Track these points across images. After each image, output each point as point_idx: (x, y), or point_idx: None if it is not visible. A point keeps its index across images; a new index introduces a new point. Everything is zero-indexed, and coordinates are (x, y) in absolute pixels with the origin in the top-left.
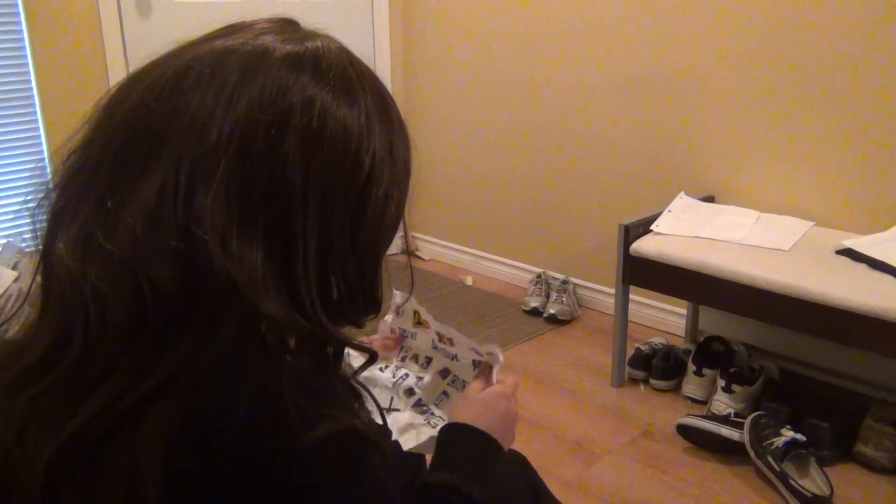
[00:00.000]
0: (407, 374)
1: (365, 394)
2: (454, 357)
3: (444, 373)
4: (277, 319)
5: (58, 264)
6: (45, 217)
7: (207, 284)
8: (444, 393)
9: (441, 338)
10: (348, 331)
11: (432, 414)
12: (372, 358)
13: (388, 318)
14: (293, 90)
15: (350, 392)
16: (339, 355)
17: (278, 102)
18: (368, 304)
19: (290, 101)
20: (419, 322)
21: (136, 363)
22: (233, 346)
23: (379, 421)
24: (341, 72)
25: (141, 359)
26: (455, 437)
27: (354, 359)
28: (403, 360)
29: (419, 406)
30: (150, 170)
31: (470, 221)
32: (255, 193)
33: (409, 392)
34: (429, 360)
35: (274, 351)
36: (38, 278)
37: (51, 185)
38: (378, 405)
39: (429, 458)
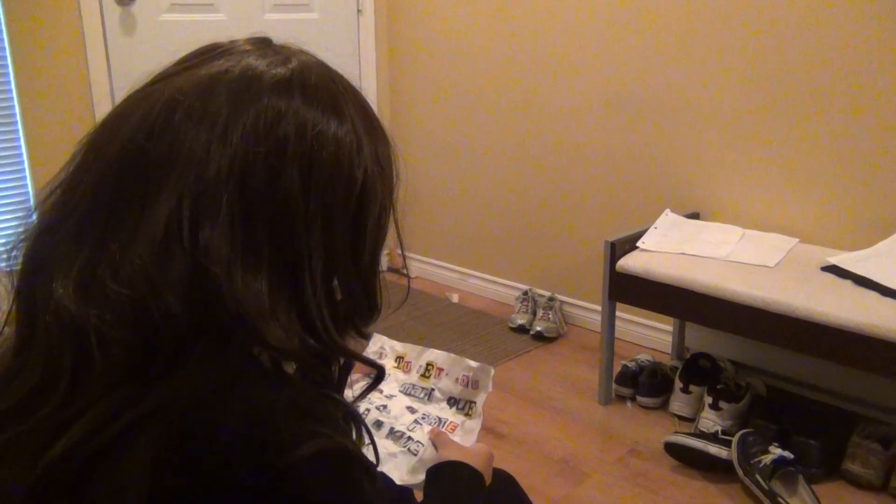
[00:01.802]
0: (367, 410)
1: (362, 422)
2: (429, 394)
3: (411, 409)
4: (284, 349)
5: (57, 308)
6: (25, 256)
7: (215, 317)
8: (416, 422)
9: (429, 367)
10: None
11: (410, 439)
12: (379, 375)
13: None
14: (286, 117)
15: (348, 417)
16: (347, 373)
17: (274, 132)
18: (372, 311)
19: (284, 129)
20: (397, 366)
21: (123, 396)
22: (229, 373)
23: (368, 454)
24: (326, 89)
25: (129, 392)
26: (446, 474)
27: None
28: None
29: (393, 434)
30: (150, 209)
31: (455, 238)
32: (258, 223)
33: (377, 424)
34: (391, 395)
35: (271, 375)
36: (13, 314)
37: (31, 225)
38: (370, 435)
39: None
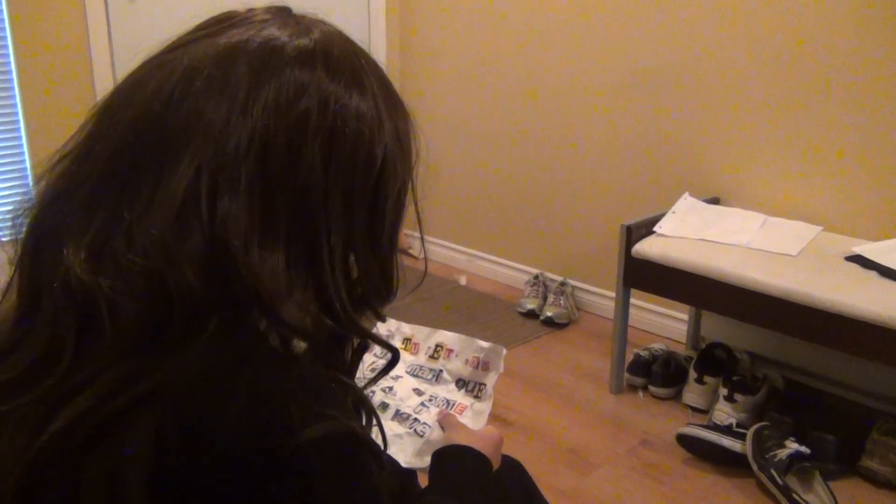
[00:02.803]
0: (372, 392)
1: (372, 408)
2: (437, 375)
3: (418, 391)
4: (298, 328)
5: (67, 276)
6: (31, 224)
7: (230, 293)
8: (423, 404)
9: (439, 349)
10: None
11: (416, 421)
12: (394, 359)
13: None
14: (308, 90)
15: (358, 402)
16: (360, 356)
17: (296, 106)
18: (388, 292)
19: (306, 103)
20: (404, 347)
21: (129, 369)
22: (239, 353)
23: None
24: (349, 62)
25: (136, 366)
26: (451, 458)
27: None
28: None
29: (399, 416)
30: (167, 180)
31: (465, 219)
32: (277, 198)
33: (382, 406)
34: (397, 377)
35: (281, 356)
36: (16, 280)
37: (36, 195)
38: (378, 420)
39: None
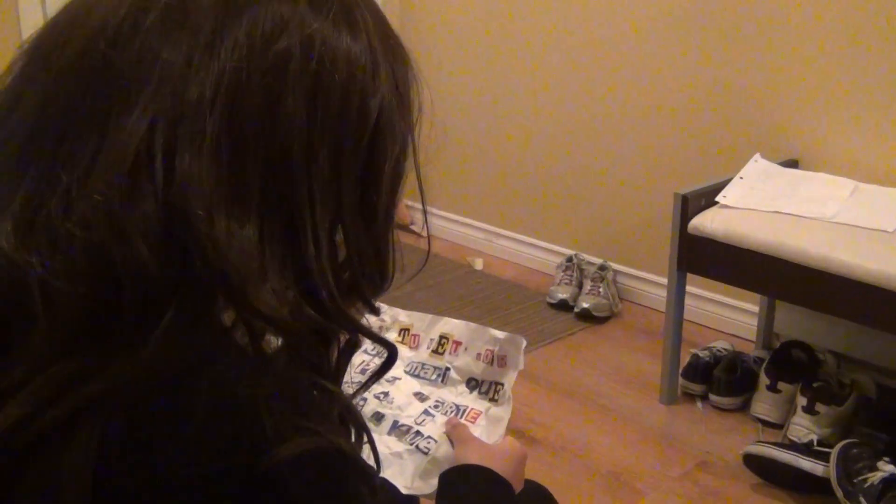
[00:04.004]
0: (364, 400)
1: (362, 421)
2: (443, 374)
3: (421, 396)
4: (275, 319)
5: None
6: None
7: (191, 274)
8: (427, 412)
9: (443, 341)
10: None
11: (419, 434)
12: (390, 357)
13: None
14: (290, 27)
15: (346, 413)
16: (348, 357)
17: (273, 45)
18: (383, 278)
19: (286, 42)
20: (401, 340)
21: (69, 371)
22: (202, 351)
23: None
24: None
25: (77, 365)
26: (463, 481)
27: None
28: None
29: (397, 429)
30: (114, 134)
31: (481, 188)
32: (249, 159)
33: (377, 417)
34: (394, 379)
35: (251, 357)
36: None
37: None
38: (370, 435)
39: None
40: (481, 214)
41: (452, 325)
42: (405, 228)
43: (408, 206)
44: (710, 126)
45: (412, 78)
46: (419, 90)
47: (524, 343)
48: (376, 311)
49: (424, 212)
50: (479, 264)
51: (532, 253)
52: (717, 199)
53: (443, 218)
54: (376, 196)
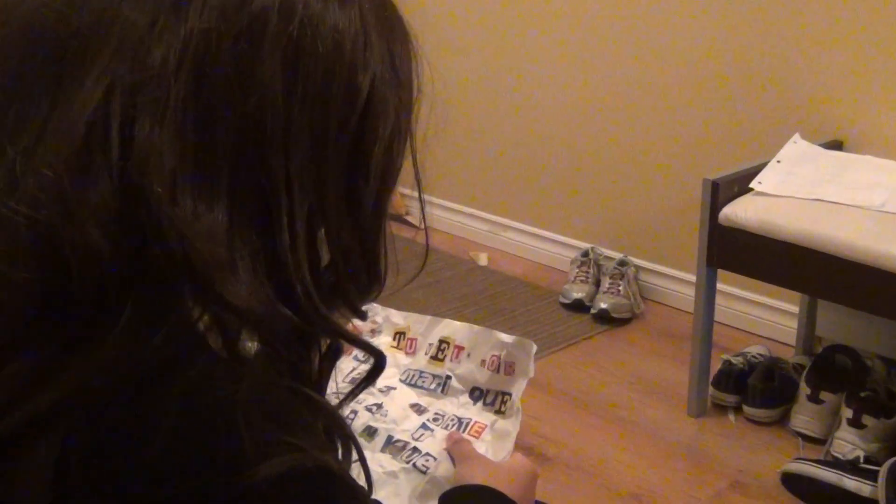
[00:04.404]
0: (355, 412)
1: (351, 434)
2: (443, 384)
3: (418, 408)
4: (248, 313)
5: None
6: None
7: (152, 262)
8: (425, 426)
9: (444, 345)
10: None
11: (416, 451)
12: (378, 365)
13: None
14: None
15: (332, 425)
16: (332, 363)
17: (249, 4)
18: (371, 280)
19: (264, 1)
20: (396, 345)
21: (16, 378)
22: (168, 353)
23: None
24: None
25: (26, 370)
26: (464, 502)
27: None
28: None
29: (392, 444)
30: (66, 101)
31: (486, 174)
32: (218, 132)
33: (369, 432)
34: (388, 389)
35: (225, 361)
36: None
37: None
38: (360, 450)
39: None
40: (486, 204)
41: (454, 328)
42: (400, 219)
43: (405, 195)
44: (743, 103)
45: (412, 55)
46: (419, 68)
47: (534, 348)
48: (363, 316)
49: (421, 201)
50: (483, 260)
51: (543, 247)
52: (751, 185)
53: (442, 208)
54: (364, 184)
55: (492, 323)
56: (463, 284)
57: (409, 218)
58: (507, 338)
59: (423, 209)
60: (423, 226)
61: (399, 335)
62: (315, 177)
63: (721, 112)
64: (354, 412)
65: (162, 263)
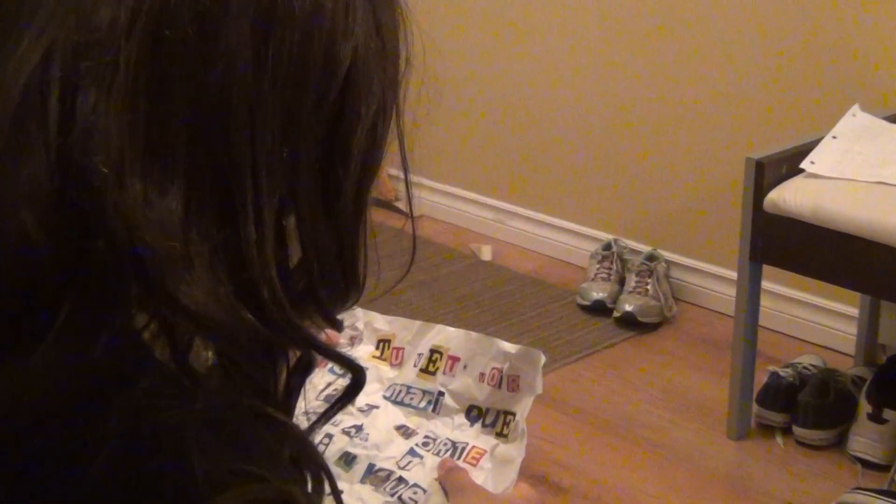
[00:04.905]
0: (329, 436)
1: (322, 463)
2: (435, 401)
3: (405, 430)
4: (205, 318)
5: None
6: None
7: (93, 256)
8: (413, 452)
9: (436, 356)
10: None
11: (402, 482)
12: (357, 382)
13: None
14: None
15: (301, 452)
16: (301, 380)
17: None
18: (349, 284)
19: None
20: (380, 355)
21: None
22: (108, 366)
23: None
24: None
25: None
26: None
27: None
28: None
29: (373, 474)
30: None
31: (491, 155)
32: (174, 106)
33: (346, 459)
34: (370, 408)
35: (172, 373)
36: None
37: None
38: (333, 482)
39: None
40: (490, 188)
41: (447, 336)
42: (388, 206)
43: (392, 176)
44: (793, 69)
45: (401, 24)
46: (408, 37)
47: (543, 359)
48: (338, 326)
49: (408, 190)
50: (486, 253)
51: (557, 238)
52: (802, 165)
53: (439, 192)
54: (343, 170)
55: (496, 328)
56: (462, 283)
57: (399, 204)
58: (510, 347)
59: (409, 199)
60: (412, 216)
61: (383, 344)
62: (286, 161)
63: (766, 80)
64: (329, 436)
65: (105, 258)
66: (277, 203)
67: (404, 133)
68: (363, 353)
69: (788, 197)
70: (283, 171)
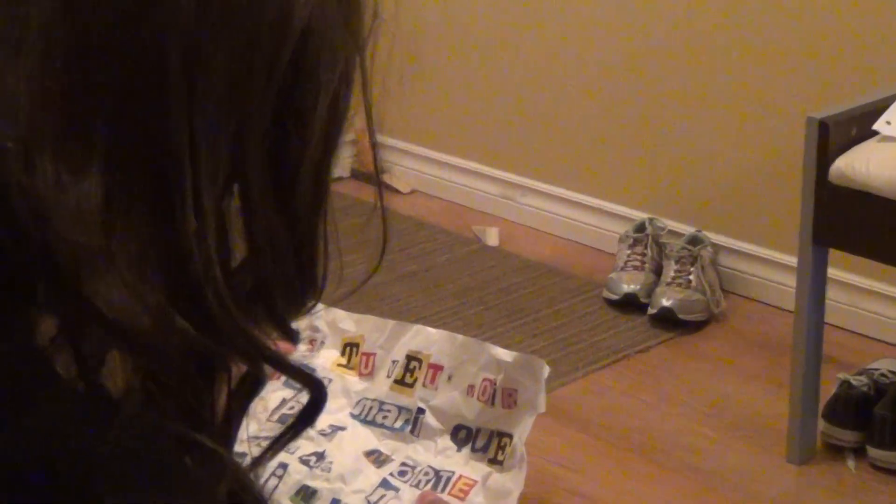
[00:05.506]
0: (283, 466)
1: (262, 499)
2: (413, 421)
3: (377, 456)
4: (121, 324)
5: None
6: None
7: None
8: (386, 484)
9: (413, 364)
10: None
11: None
12: (315, 401)
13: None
14: None
15: (239, 488)
16: (247, 402)
17: None
18: (304, 283)
19: None
20: (346, 363)
21: None
22: (4, 385)
23: None
24: None
25: None
26: None
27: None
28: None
29: None
30: None
31: (496, 118)
32: (96, 69)
33: (307, 494)
34: (334, 429)
35: (80, 394)
36: None
37: None
38: None
39: None
40: (497, 158)
41: (427, 338)
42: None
43: (382, 143)
44: (863, 15)
45: None
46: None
47: (546, 370)
48: (293, 336)
49: (377, 163)
50: (492, 237)
51: (579, 218)
52: (875, 126)
53: (435, 163)
54: (300, 147)
55: (504, 329)
56: (462, 273)
57: (385, 178)
58: (505, 354)
59: (380, 188)
60: (406, 188)
61: (350, 349)
62: (231, 137)
63: (830, 30)
64: (283, 466)
65: (8, 253)
66: (221, 187)
67: (372, 102)
68: (326, 360)
69: (859, 165)
70: (227, 149)
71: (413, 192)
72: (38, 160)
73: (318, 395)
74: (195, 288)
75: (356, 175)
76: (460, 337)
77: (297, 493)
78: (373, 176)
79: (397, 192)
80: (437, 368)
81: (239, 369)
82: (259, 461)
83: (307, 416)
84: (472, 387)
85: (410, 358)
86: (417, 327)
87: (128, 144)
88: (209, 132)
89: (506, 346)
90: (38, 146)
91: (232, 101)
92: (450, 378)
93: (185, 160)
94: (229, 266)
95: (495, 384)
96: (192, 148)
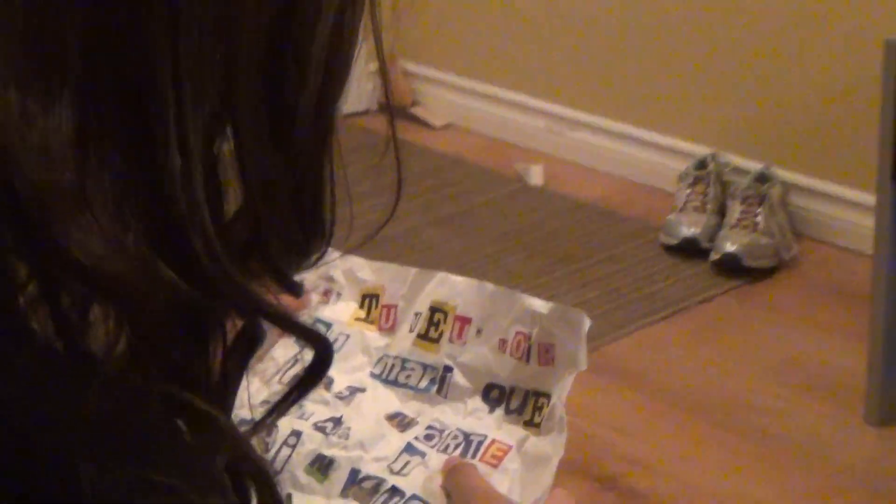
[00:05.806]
0: (296, 434)
1: (268, 474)
2: (439, 380)
3: (401, 419)
4: (99, 273)
5: None
6: None
7: None
8: (411, 448)
9: (438, 316)
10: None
11: (396, 492)
12: (321, 359)
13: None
14: None
15: (238, 459)
16: (246, 355)
17: None
18: (307, 231)
19: None
20: (365, 316)
21: None
22: None
23: None
24: None
25: None
26: None
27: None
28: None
29: (357, 484)
30: None
31: (542, 43)
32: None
33: (323, 464)
34: (352, 391)
35: (55, 353)
36: None
37: None
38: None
39: None
40: (543, 87)
41: (453, 288)
42: (404, 113)
43: (407, 72)
44: None
45: None
46: None
47: (588, 323)
48: (295, 289)
49: (388, 93)
50: (536, 176)
51: (633, 153)
52: None
53: (473, 94)
54: (299, 78)
55: (550, 278)
56: (504, 216)
57: (417, 111)
58: (539, 305)
59: (392, 119)
60: (438, 122)
61: (368, 300)
62: (221, 67)
63: None
64: (297, 434)
65: None
66: (208, 121)
67: (381, 26)
68: (343, 313)
69: None
70: (215, 80)
71: (448, 126)
72: (0, 90)
73: (322, 351)
74: (180, 234)
75: (384, 108)
76: (490, 285)
77: (313, 463)
78: (399, 109)
79: (430, 126)
80: (464, 321)
81: (235, 324)
82: (259, 426)
83: (311, 377)
84: (503, 341)
85: (434, 310)
86: (442, 275)
87: (103, 69)
88: (194, 59)
89: (551, 297)
90: (1, 75)
91: (219, 23)
92: (479, 332)
93: (167, 90)
94: (221, 213)
95: (530, 338)
96: (175, 79)
